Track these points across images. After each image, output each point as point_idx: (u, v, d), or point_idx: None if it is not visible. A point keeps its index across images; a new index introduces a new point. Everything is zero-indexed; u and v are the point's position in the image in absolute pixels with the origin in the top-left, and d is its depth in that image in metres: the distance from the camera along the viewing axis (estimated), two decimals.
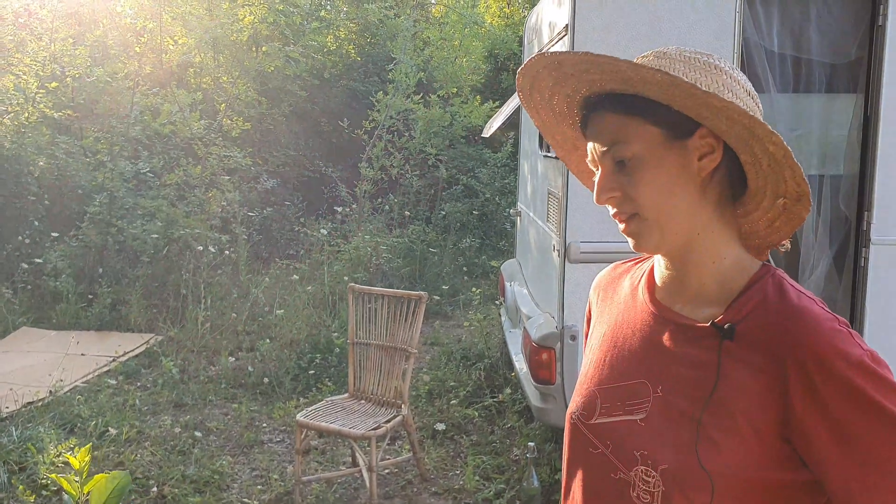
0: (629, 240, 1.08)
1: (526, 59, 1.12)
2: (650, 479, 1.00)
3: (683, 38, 3.23)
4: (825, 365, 0.93)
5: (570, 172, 2.18)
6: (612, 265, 1.32)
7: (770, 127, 0.96)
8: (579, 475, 1.13)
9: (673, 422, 1.02)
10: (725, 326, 1.01)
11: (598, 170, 1.09)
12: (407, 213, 9.26)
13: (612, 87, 1.04)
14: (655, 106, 1.01)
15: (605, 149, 1.06)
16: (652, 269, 1.18)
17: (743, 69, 3.32)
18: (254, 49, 10.23)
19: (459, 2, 12.76)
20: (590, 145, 1.10)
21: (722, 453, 0.97)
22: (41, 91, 8.16)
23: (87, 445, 2.72)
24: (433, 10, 13.61)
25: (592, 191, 1.28)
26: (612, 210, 1.08)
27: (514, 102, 5.58)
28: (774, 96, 3.48)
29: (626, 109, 1.04)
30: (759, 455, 0.97)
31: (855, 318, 3.52)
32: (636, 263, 1.27)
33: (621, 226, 1.08)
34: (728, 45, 3.25)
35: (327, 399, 4.07)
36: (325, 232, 8.19)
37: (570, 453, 1.17)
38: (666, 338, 1.08)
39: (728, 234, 1.07)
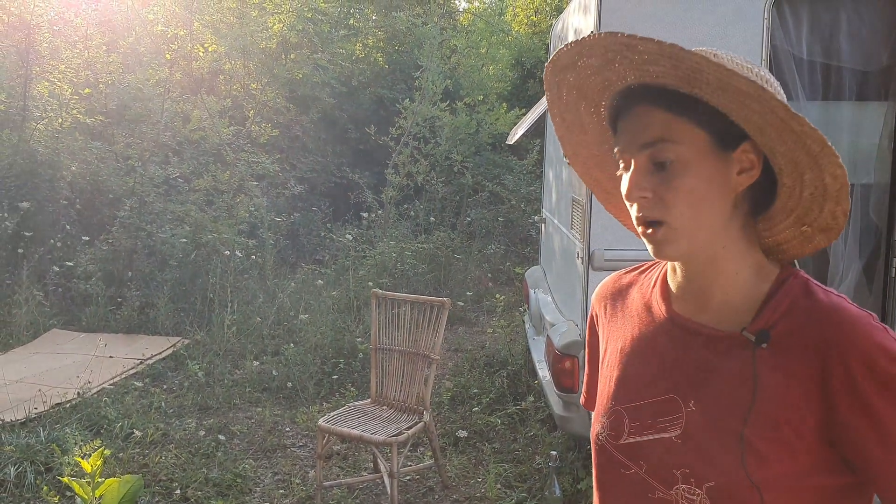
0: (648, 245, 1.02)
1: None
2: (695, 497, 0.97)
3: (710, 45, 3.14)
4: (867, 362, 0.91)
5: None
6: (613, 275, 1.27)
7: (839, 157, 0.91)
8: (613, 498, 1.10)
9: (714, 437, 0.98)
10: (757, 334, 0.98)
11: (626, 165, 1.02)
12: (432, 219, 9.28)
13: (668, 82, 0.96)
14: (710, 110, 0.95)
15: (644, 145, 0.99)
16: (664, 279, 1.13)
17: None
18: (283, 56, 10.33)
19: (487, 10, 12.78)
20: (617, 137, 1.03)
21: (769, 465, 0.94)
22: (75, 97, 8.31)
23: (100, 450, 2.72)
24: (461, 19, 13.64)
25: (587, 183, 1.21)
26: (635, 213, 1.02)
27: (539, 109, 5.55)
28: (803, 104, 3.43)
29: (678, 109, 0.96)
30: (805, 462, 0.94)
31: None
32: (641, 272, 1.22)
33: (640, 228, 1.02)
34: (756, 53, 3.21)
35: (349, 404, 4.08)
36: (351, 237, 8.24)
37: (600, 476, 1.13)
38: (693, 350, 1.04)
39: (751, 246, 1.03)
